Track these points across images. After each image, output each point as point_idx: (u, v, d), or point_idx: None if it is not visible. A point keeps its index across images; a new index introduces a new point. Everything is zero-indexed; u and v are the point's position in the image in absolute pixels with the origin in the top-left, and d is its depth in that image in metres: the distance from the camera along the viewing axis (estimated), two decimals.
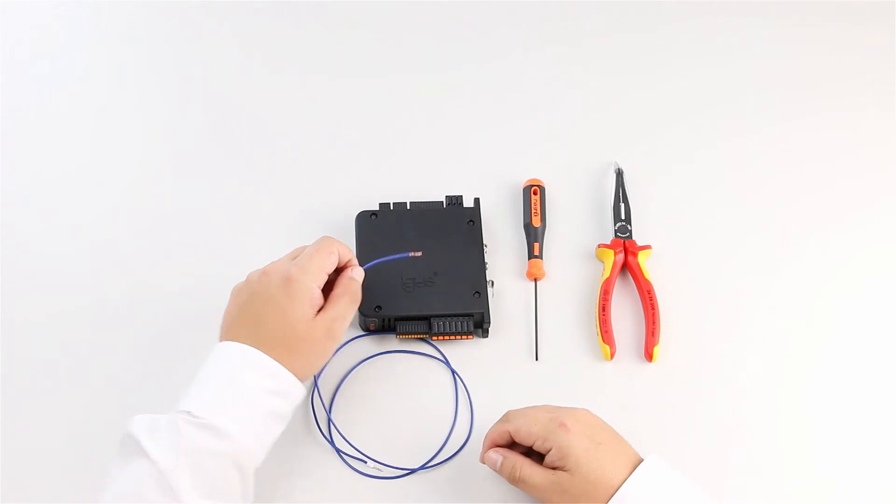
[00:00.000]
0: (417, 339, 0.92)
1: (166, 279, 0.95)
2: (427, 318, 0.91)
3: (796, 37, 1.16)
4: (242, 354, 0.78)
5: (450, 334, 0.90)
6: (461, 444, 0.86)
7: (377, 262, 0.88)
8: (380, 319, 0.91)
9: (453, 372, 0.90)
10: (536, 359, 0.92)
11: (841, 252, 0.99)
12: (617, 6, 1.18)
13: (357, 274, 0.85)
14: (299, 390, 0.79)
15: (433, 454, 0.86)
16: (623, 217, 0.99)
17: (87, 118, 1.08)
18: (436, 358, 0.91)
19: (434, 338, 0.91)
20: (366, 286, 0.91)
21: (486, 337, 0.92)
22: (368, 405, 0.88)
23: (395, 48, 1.14)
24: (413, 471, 0.85)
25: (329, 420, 0.87)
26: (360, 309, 0.90)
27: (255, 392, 0.76)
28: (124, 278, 0.95)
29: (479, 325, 0.92)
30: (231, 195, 1.02)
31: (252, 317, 0.80)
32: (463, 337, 0.91)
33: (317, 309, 0.81)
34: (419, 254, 0.89)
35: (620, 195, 1.01)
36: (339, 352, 0.91)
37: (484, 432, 0.82)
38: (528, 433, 0.79)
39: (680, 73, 1.13)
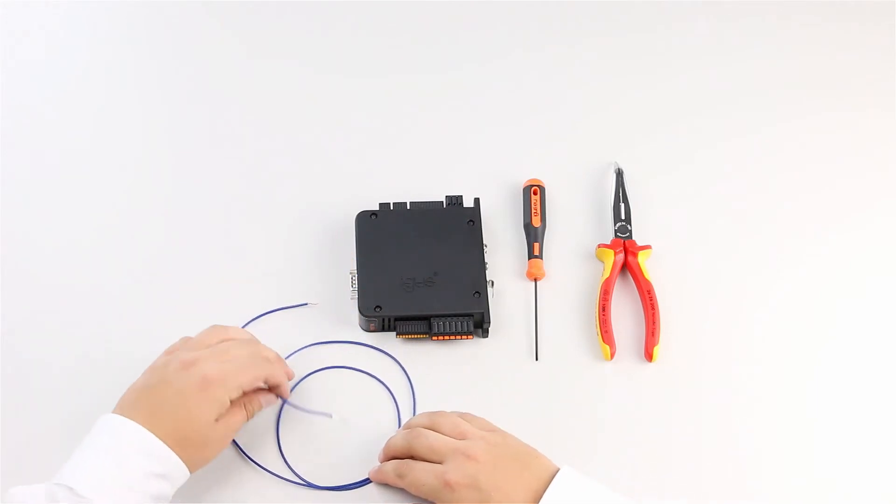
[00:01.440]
0: (415, 338, 0.92)
1: (166, 279, 0.95)
2: (427, 318, 0.91)
3: (796, 37, 1.16)
4: (137, 435, 0.75)
5: (450, 334, 0.90)
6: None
7: (297, 408, 0.86)
8: (380, 319, 0.91)
9: (408, 376, 0.90)
10: (536, 359, 0.92)
11: (841, 252, 0.99)
12: (617, 6, 1.18)
13: (269, 401, 0.84)
14: (184, 472, 0.77)
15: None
16: (623, 217, 0.99)
17: (87, 118, 1.08)
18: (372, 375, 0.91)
19: (434, 338, 0.91)
20: (365, 286, 0.91)
21: (486, 337, 0.92)
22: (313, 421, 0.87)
23: (395, 48, 1.14)
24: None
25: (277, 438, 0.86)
26: (359, 309, 0.91)
27: (142, 474, 0.74)
28: (123, 278, 0.95)
29: (479, 325, 0.92)
30: (231, 195, 1.02)
31: (157, 403, 0.77)
32: (463, 337, 0.91)
33: (220, 416, 0.79)
34: (330, 416, 0.86)
35: (620, 195, 1.01)
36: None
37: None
38: (418, 488, 0.79)
39: (680, 73, 1.13)
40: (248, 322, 0.92)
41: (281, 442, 0.86)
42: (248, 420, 0.82)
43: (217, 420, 0.79)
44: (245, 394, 0.81)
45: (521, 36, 1.16)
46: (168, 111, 1.09)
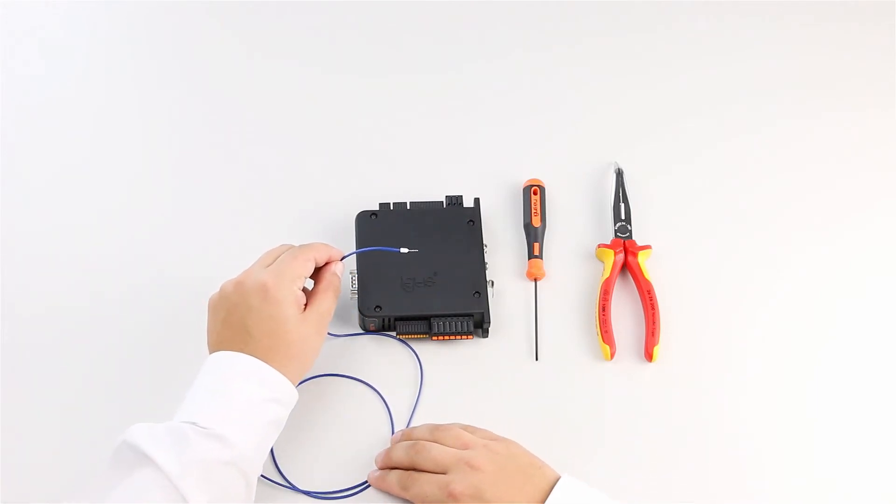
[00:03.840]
0: (415, 338, 0.92)
1: (165, 279, 0.95)
2: (427, 318, 0.91)
3: (796, 37, 1.16)
4: (239, 364, 0.78)
5: (450, 334, 0.90)
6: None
7: (365, 250, 0.88)
8: (380, 319, 0.91)
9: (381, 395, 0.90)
10: (536, 359, 0.92)
11: (841, 252, 0.99)
12: (617, 6, 1.18)
13: (339, 269, 0.87)
14: (294, 395, 0.80)
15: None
16: (623, 217, 0.99)
17: (86, 118, 1.08)
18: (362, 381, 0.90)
19: (434, 338, 0.91)
20: (365, 285, 0.91)
21: (486, 337, 0.92)
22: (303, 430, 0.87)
23: (396, 48, 1.14)
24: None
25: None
26: (359, 308, 0.91)
27: (254, 401, 0.76)
28: (123, 278, 0.95)
29: (479, 325, 0.92)
30: (231, 195, 1.02)
31: (239, 329, 0.79)
32: (463, 337, 0.91)
33: (302, 307, 0.81)
34: (407, 251, 0.88)
35: (620, 195, 1.01)
36: None
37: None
38: (422, 499, 0.79)
39: (680, 73, 1.13)
40: None
41: (274, 448, 0.85)
42: (336, 299, 0.85)
43: (302, 313, 0.81)
44: (317, 279, 0.84)
45: (521, 36, 1.16)
46: (168, 111, 1.09)
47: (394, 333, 0.92)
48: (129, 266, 0.96)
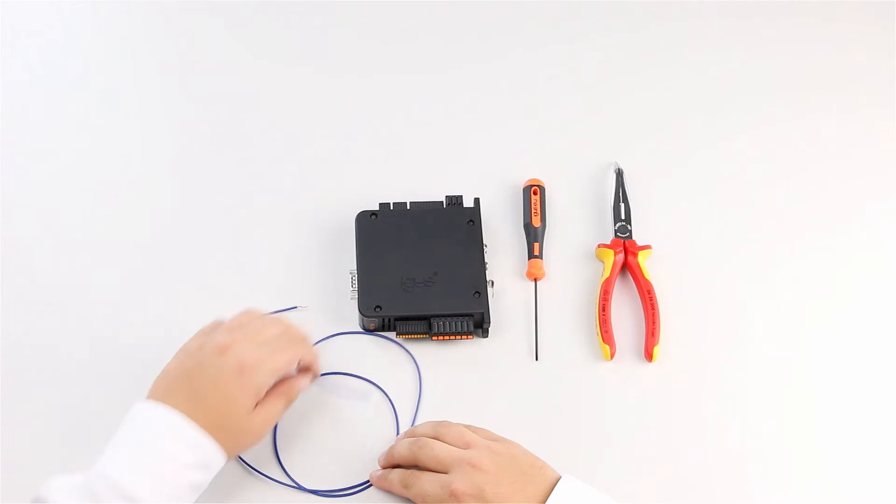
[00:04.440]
0: (415, 338, 0.92)
1: (166, 278, 0.95)
2: (427, 318, 0.91)
3: (796, 37, 1.16)
4: (175, 424, 0.75)
5: (450, 334, 0.90)
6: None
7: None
8: (379, 319, 0.91)
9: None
10: (536, 359, 0.92)
11: (841, 251, 0.99)
12: (617, 6, 1.18)
13: (304, 385, 0.83)
14: (221, 461, 0.77)
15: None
16: (623, 217, 0.99)
17: (87, 119, 1.07)
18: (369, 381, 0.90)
19: (434, 338, 0.91)
20: (365, 286, 0.91)
21: (486, 337, 0.92)
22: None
23: (396, 48, 1.14)
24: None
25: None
26: (359, 309, 0.91)
27: (181, 465, 0.74)
28: (123, 278, 0.95)
29: (479, 325, 0.92)
30: (231, 195, 1.02)
31: (193, 389, 0.77)
32: (463, 337, 0.91)
33: (258, 400, 0.78)
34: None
35: (620, 195, 1.01)
36: None
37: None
38: (423, 498, 0.79)
39: (680, 73, 1.13)
40: None
41: (277, 446, 0.85)
42: (287, 408, 0.82)
43: (255, 408, 0.78)
44: (281, 381, 0.81)
45: (521, 36, 1.16)
46: (168, 112, 1.09)
47: (394, 333, 0.92)
48: (129, 266, 0.96)
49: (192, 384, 0.77)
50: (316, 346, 0.87)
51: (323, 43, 1.14)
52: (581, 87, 1.11)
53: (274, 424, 0.82)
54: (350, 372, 0.90)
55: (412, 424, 0.87)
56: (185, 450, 0.75)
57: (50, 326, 0.92)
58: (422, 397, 0.89)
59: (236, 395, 0.77)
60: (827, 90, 1.11)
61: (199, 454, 0.75)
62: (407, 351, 0.91)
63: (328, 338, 0.92)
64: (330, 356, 0.91)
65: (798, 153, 1.06)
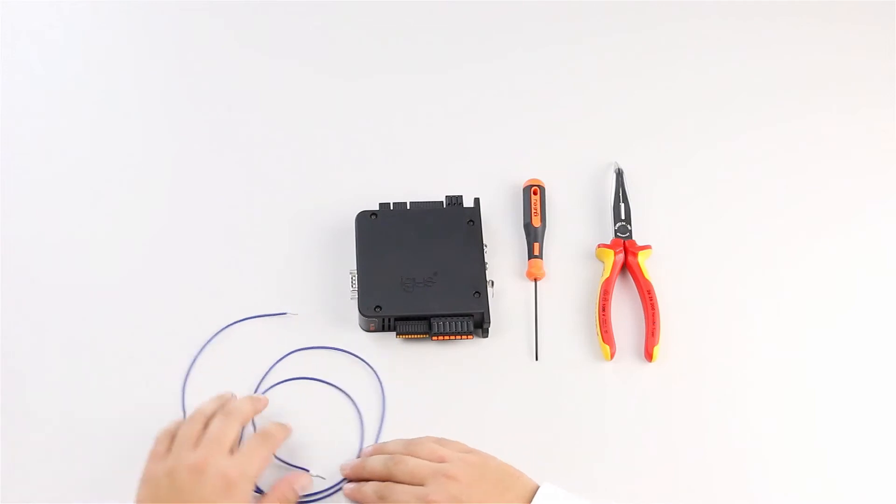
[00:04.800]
0: (415, 338, 0.92)
1: (165, 278, 0.95)
2: (427, 318, 0.91)
3: (796, 37, 1.16)
4: None
5: (450, 334, 0.90)
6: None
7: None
8: (380, 319, 0.91)
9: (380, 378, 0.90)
10: (536, 359, 0.92)
11: (841, 251, 0.99)
12: (617, 6, 1.18)
13: (304, 484, 0.81)
14: None
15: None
16: (623, 217, 0.99)
17: (87, 119, 1.07)
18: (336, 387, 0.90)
19: (434, 338, 0.91)
20: (365, 286, 0.91)
21: (486, 337, 0.92)
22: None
23: (395, 48, 1.14)
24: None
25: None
26: (359, 309, 0.91)
27: None
28: (122, 278, 0.95)
29: (479, 325, 0.92)
30: (231, 194, 1.01)
31: None
32: (463, 337, 0.91)
33: None
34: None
35: (620, 195, 1.01)
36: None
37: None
38: None
39: (680, 73, 1.13)
40: (230, 325, 0.92)
41: None
42: None
43: None
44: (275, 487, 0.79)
45: (521, 36, 1.15)
46: (168, 112, 1.09)
47: (394, 333, 0.92)
48: (129, 265, 0.96)
49: None
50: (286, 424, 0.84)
51: (323, 43, 1.14)
52: (581, 87, 1.11)
53: None
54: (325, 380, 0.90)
55: (378, 433, 0.87)
56: None
57: (50, 326, 0.92)
58: (422, 398, 0.89)
59: None
60: (827, 90, 1.11)
61: None
62: (367, 364, 0.91)
63: (325, 348, 0.92)
64: (329, 355, 0.91)
65: (798, 153, 1.06)
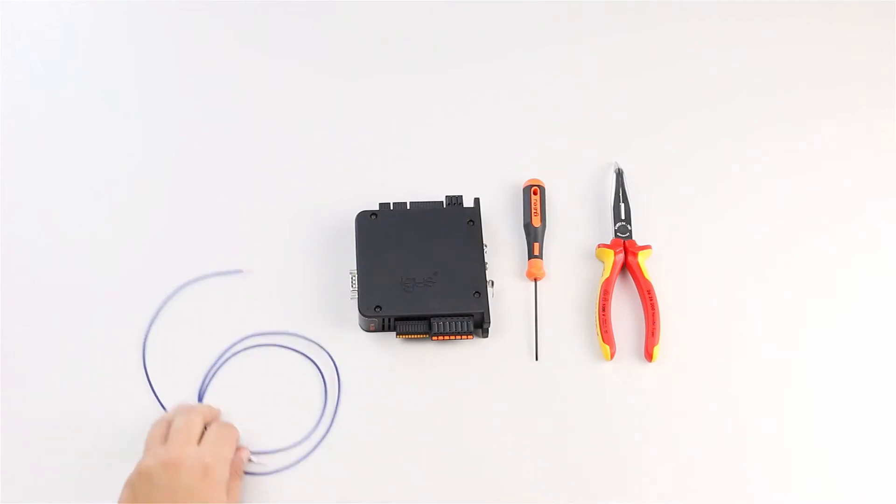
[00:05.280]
0: (415, 338, 0.92)
1: (165, 278, 0.95)
2: (427, 318, 0.91)
3: (796, 37, 1.16)
4: None
5: (450, 334, 0.90)
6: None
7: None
8: (380, 319, 0.91)
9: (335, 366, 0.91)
10: (536, 359, 0.92)
11: (841, 251, 0.99)
12: (617, 6, 1.18)
13: (246, 456, 0.84)
14: None
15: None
16: (623, 217, 0.99)
17: (86, 118, 1.07)
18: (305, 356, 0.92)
19: (434, 338, 0.91)
20: (365, 286, 0.91)
21: (486, 337, 0.92)
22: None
23: (396, 48, 1.14)
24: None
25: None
26: (359, 309, 0.91)
27: None
28: (122, 278, 0.95)
29: (479, 325, 0.92)
30: (230, 194, 1.01)
31: None
32: (463, 337, 0.91)
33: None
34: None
35: (620, 195, 1.01)
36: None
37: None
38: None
39: (680, 73, 1.13)
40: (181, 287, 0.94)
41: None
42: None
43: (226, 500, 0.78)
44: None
45: (522, 36, 1.15)
46: (168, 111, 1.08)
47: (394, 333, 0.92)
48: (129, 265, 0.96)
49: None
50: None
51: (323, 43, 1.14)
52: (581, 87, 1.11)
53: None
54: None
55: (336, 407, 0.88)
56: None
57: (49, 326, 0.92)
58: (422, 397, 0.89)
59: (212, 495, 0.77)
60: (827, 90, 1.11)
61: None
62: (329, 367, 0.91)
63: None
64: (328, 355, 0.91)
65: (798, 153, 1.06)
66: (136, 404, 0.88)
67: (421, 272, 0.92)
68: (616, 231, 0.99)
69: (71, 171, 1.03)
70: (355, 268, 0.93)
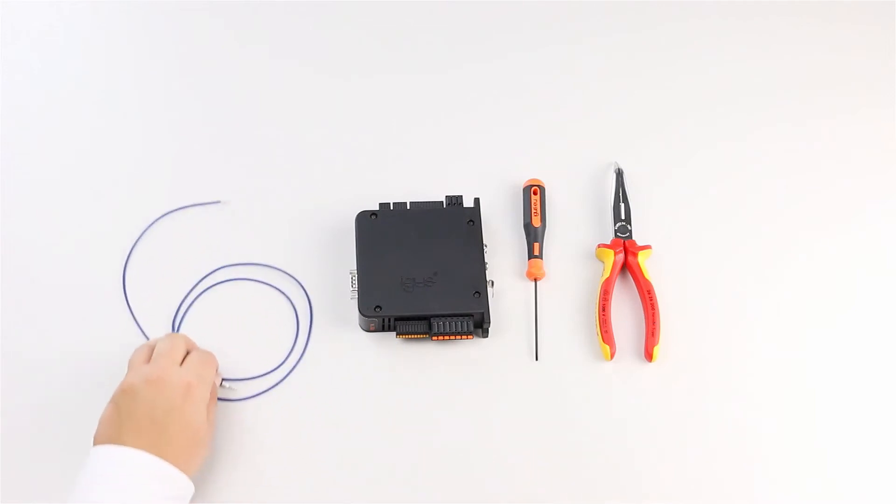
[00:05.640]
0: (415, 338, 0.92)
1: (165, 278, 0.95)
2: (427, 318, 0.91)
3: (796, 37, 1.16)
4: (146, 462, 0.76)
5: (450, 334, 0.90)
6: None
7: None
8: (380, 319, 0.91)
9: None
10: (536, 359, 0.92)
11: (841, 251, 0.99)
12: (617, 6, 1.18)
13: (217, 381, 0.87)
14: (191, 492, 0.79)
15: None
16: (623, 217, 0.99)
17: (86, 118, 1.07)
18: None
19: (434, 338, 0.91)
20: (365, 286, 0.91)
21: (486, 337, 0.92)
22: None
23: (395, 48, 1.14)
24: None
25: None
26: (359, 309, 0.91)
27: (160, 500, 0.76)
28: (122, 278, 0.95)
29: (479, 325, 0.92)
30: (231, 194, 1.01)
31: (151, 424, 0.77)
32: (463, 337, 0.91)
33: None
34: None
35: (620, 195, 1.01)
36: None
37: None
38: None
39: (680, 73, 1.13)
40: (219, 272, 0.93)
41: None
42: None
43: (207, 419, 0.82)
44: None
45: (521, 36, 1.15)
46: (168, 111, 1.08)
47: (394, 333, 0.92)
48: (129, 265, 0.96)
49: (146, 420, 0.78)
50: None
51: (323, 43, 1.14)
52: (581, 87, 1.11)
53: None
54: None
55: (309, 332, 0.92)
56: (163, 485, 0.76)
57: (49, 326, 0.92)
58: (422, 397, 0.89)
59: (193, 412, 0.80)
60: (827, 90, 1.11)
61: (176, 487, 0.77)
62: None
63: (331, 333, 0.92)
64: (328, 355, 0.91)
65: (798, 153, 1.06)
66: (118, 334, 0.91)
67: (421, 272, 0.92)
68: (616, 231, 0.99)
69: (70, 170, 1.03)
70: (355, 268, 0.93)
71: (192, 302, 0.94)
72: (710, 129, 1.08)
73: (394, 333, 0.92)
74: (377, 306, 0.91)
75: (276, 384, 0.90)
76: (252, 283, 0.95)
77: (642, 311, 0.94)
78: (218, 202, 0.99)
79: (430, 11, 1.17)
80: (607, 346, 0.91)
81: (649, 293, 0.93)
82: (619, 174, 1.02)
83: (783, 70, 1.13)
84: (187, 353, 0.85)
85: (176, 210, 0.99)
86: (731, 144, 1.07)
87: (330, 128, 1.07)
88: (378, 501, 0.84)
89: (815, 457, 0.87)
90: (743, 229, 1.00)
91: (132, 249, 0.97)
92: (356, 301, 0.91)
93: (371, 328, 0.92)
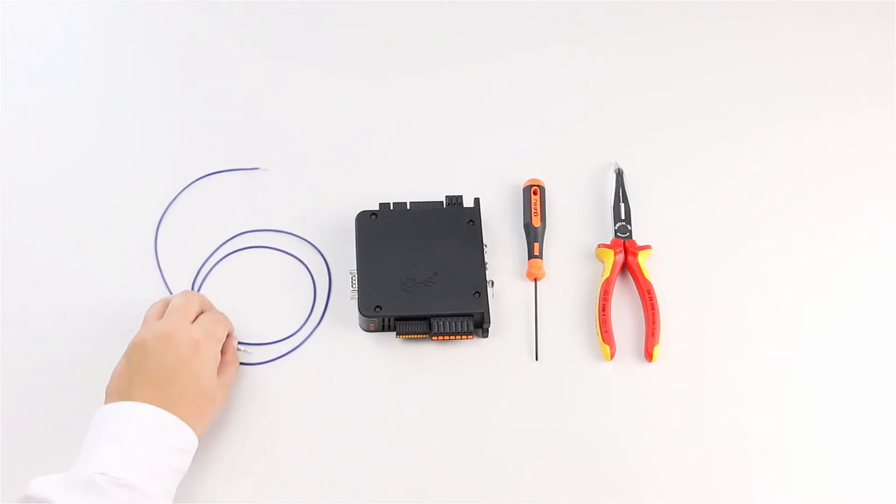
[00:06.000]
0: (415, 338, 0.92)
1: (165, 278, 0.95)
2: (427, 318, 0.91)
3: (796, 37, 1.16)
4: (152, 414, 0.78)
5: (450, 334, 0.90)
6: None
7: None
8: (380, 319, 0.91)
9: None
10: (536, 359, 0.92)
11: (841, 251, 0.99)
12: (617, 6, 1.18)
13: (234, 344, 0.89)
14: (196, 445, 0.81)
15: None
16: (623, 217, 0.99)
17: (86, 118, 1.07)
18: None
19: (434, 338, 0.91)
20: (365, 286, 0.91)
21: (486, 337, 0.92)
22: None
23: (395, 48, 1.14)
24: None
25: None
26: (359, 309, 0.91)
27: (164, 451, 0.77)
28: (123, 277, 0.95)
29: (479, 325, 0.92)
30: (231, 195, 1.01)
31: (160, 378, 0.80)
32: (463, 337, 0.91)
33: (217, 371, 0.84)
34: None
35: (620, 195, 1.01)
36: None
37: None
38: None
39: (680, 73, 1.13)
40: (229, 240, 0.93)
41: None
42: (236, 372, 0.88)
43: (217, 377, 0.83)
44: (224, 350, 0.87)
45: (521, 36, 1.15)
46: (168, 111, 1.08)
47: (394, 333, 0.92)
48: (129, 265, 0.96)
49: (155, 374, 0.80)
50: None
51: (323, 43, 1.14)
52: (581, 87, 1.11)
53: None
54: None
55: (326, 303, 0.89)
56: (168, 436, 0.78)
57: (49, 326, 0.92)
58: (422, 397, 0.89)
59: (200, 368, 0.82)
60: (827, 90, 1.11)
61: (180, 439, 0.78)
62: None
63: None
64: (328, 355, 0.91)
65: (798, 153, 1.06)
66: (146, 288, 0.94)
67: (421, 272, 0.92)
68: (616, 231, 0.99)
69: (70, 170, 1.03)
70: (355, 268, 0.93)
71: (211, 269, 0.96)
72: (710, 129, 1.08)
73: (394, 333, 0.92)
74: (377, 306, 0.91)
75: (288, 352, 0.92)
76: (275, 251, 0.98)
77: (642, 311, 0.94)
78: (257, 168, 1.00)
79: (431, 11, 1.17)
80: (607, 346, 0.91)
81: (649, 293, 0.93)
82: (619, 174, 1.02)
83: (783, 70, 1.13)
84: (201, 312, 0.86)
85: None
86: (731, 144, 1.07)
87: (330, 128, 1.07)
88: (378, 501, 0.84)
89: (815, 457, 0.87)
90: (743, 229, 1.00)
91: (159, 223, 0.99)
92: (356, 301, 0.91)
93: (371, 328, 0.92)
